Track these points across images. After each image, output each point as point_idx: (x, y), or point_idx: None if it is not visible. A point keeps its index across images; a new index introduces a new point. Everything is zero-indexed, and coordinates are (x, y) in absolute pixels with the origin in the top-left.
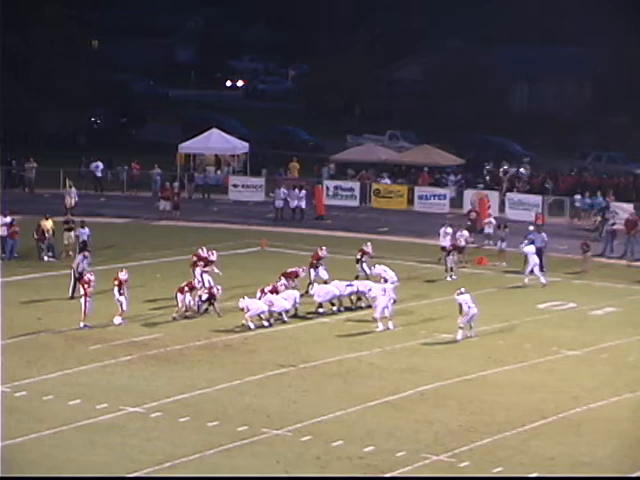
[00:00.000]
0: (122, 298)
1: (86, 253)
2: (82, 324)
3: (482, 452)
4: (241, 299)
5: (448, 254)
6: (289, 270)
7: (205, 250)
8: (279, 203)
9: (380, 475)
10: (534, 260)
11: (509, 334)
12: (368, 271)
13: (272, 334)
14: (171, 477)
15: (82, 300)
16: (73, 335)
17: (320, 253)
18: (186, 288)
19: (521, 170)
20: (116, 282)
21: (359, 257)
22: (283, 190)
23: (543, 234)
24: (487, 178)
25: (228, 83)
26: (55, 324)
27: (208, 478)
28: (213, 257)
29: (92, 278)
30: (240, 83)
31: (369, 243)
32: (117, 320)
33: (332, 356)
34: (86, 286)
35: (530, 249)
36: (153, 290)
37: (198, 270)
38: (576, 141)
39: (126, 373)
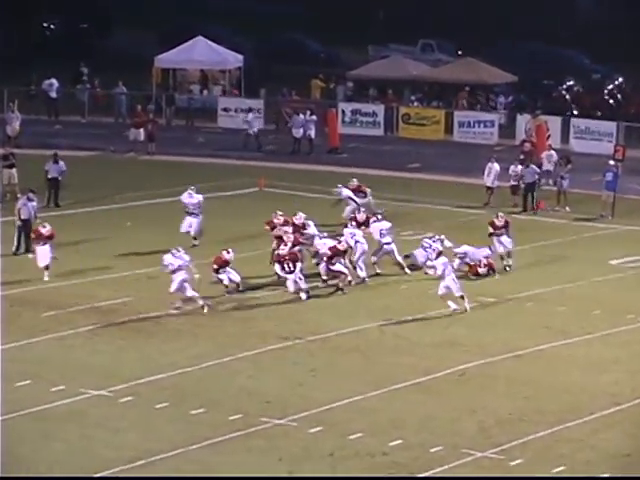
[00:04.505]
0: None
1: (31, 194)
2: None
3: (539, 447)
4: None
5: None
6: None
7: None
8: (297, 132)
9: (409, 475)
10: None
11: (573, 298)
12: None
13: (272, 298)
14: (148, 478)
15: None
16: (20, 299)
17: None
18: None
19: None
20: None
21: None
22: (301, 116)
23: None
24: (567, 98)
25: None
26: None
27: (197, 478)
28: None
29: None
30: None
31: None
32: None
33: (348, 326)
34: None
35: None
36: (121, 242)
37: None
38: None
39: (88, 347)
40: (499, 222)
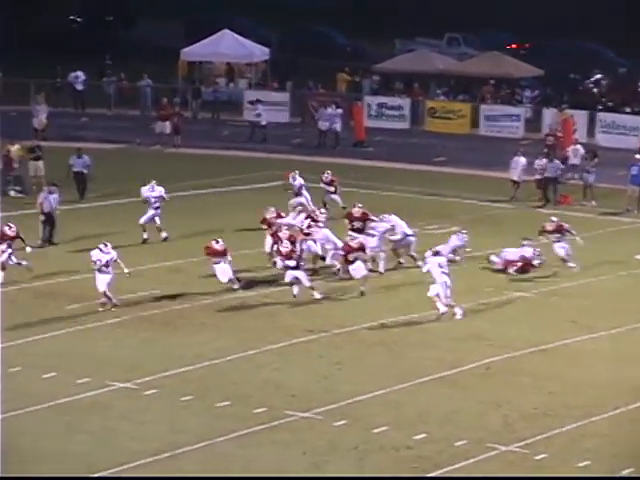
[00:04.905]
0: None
1: (52, 187)
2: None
3: (563, 441)
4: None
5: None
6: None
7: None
8: (323, 125)
9: (434, 474)
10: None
11: (598, 292)
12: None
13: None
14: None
15: None
16: (45, 290)
17: None
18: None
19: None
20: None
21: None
22: (329, 110)
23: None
24: (595, 92)
25: None
26: (22, 276)
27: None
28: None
29: None
30: None
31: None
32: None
33: (373, 320)
34: None
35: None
36: (146, 234)
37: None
38: None
39: (113, 339)
40: (550, 227)
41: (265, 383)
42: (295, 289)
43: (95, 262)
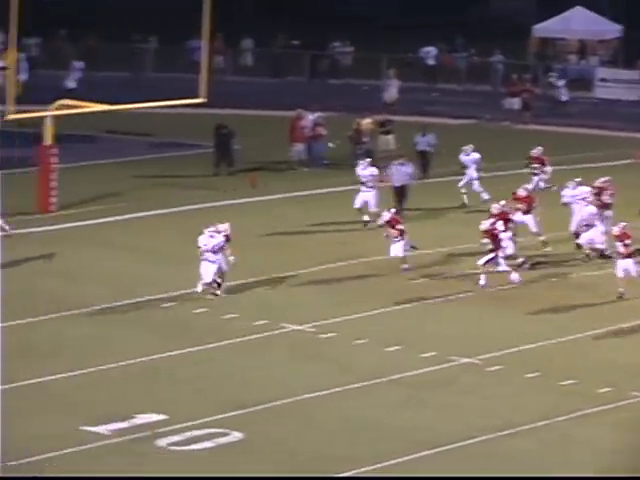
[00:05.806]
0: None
1: (403, 160)
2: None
3: None
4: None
5: None
6: None
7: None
8: None
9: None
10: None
11: None
12: None
13: None
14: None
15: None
16: (389, 265)
17: None
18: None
19: None
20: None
21: None
22: None
23: None
24: None
25: None
26: (366, 250)
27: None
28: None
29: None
30: None
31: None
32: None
33: None
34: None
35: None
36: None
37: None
38: None
39: (457, 314)
40: None
41: (610, 363)
42: (482, 279)
43: (201, 247)
